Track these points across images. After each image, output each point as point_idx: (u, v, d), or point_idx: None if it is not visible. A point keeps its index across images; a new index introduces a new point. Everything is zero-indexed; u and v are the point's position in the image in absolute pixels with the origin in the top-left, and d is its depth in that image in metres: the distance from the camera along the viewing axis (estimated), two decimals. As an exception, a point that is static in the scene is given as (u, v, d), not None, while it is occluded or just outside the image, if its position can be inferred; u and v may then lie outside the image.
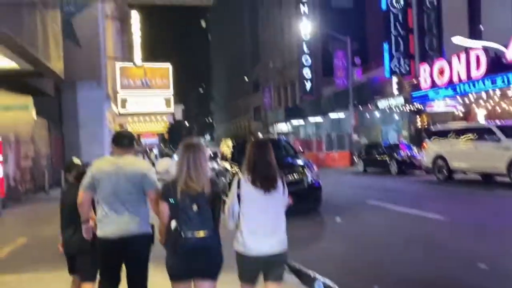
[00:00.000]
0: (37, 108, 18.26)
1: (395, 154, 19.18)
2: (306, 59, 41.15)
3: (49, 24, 11.16)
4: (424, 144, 16.15)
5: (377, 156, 20.37)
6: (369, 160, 21.15)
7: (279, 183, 3.28)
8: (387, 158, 19.37)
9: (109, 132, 25.69)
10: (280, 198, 3.29)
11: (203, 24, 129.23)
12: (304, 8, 40.71)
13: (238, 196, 3.19)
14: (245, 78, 59.42)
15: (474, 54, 18.67)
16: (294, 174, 9.40)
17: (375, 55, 33.26)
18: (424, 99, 22.00)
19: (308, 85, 41.23)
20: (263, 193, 3.18)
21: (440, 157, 14.83)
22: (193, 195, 3.05)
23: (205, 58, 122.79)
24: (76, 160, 4.34)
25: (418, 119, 26.65)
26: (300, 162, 10.09)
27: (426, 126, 26.21)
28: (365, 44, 37.07)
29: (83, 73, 22.85)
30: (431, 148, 15.40)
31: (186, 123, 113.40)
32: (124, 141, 3.69)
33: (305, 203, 9.49)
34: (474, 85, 18.45)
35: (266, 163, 3.26)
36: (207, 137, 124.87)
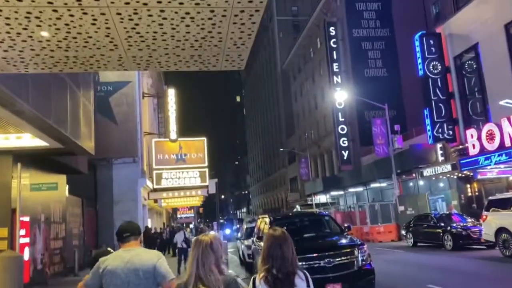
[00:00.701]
0: (71, 185, 18.15)
1: (448, 227, 17.39)
2: (342, 128, 40.53)
3: (80, 102, 11.01)
4: (484, 215, 14.48)
5: (428, 229, 18.58)
6: (419, 234, 19.32)
7: (299, 281, 2.85)
8: (440, 231, 17.57)
9: (143, 208, 25.22)
10: None
11: (238, 99, 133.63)
12: (337, 79, 40.88)
13: None
14: (281, 149, 58.98)
15: (526, 115, 17.38)
16: (342, 255, 8.18)
17: (413, 123, 32.27)
18: (474, 165, 20.44)
19: (345, 154, 40.22)
20: None
21: (503, 229, 13.12)
22: None
23: (241, 131, 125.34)
24: (110, 250, 4.06)
25: (469, 187, 24.80)
26: (347, 241, 8.89)
27: (477, 194, 24.32)
28: (402, 111, 36.36)
29: (119, 150, 22.93)
30: (492, 220, 13.72)
31: (221, 196, 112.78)
32: (126, 235, 3.53)
33: (356, 289, 8.16)
34: (531, 149, 16.93)
35: (281, 258, 2.88)
36: (243, 210, 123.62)
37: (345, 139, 40.59)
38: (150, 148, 27.24)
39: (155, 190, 26.69)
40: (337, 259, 8.11)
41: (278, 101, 72.99)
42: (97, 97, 23.31)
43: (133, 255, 3.39)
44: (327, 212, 10.72)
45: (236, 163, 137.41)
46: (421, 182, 29.28)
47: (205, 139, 27.92)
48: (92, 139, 12.50)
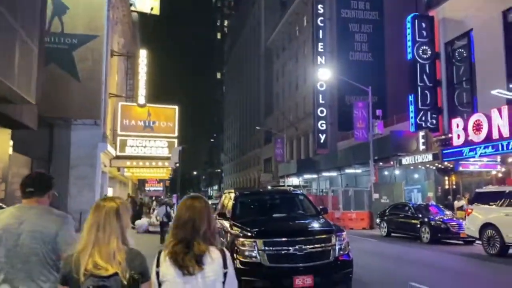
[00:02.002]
0: (18, 143, 16.18)
1: (426, 219, 16.33)
2: (322, 111, 39.25)
3: (17, 36, 9.11)
4: (469, 209, 13.38)
5: (404, 219, 17.51)
6: (394, 223, 18.26)
7: (212, 259, 2.30)
8: (417, 223, 16.49)
9: (103, 176, 23.39)
10: (214, 284, 2.28)
11: (219, 75, 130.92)
12: (321, 59, 39.36)
13: (158, 276, 2.32)
14: (257, 127, 57.52)
15: (519, 107, 16.31)
16: (316, 242, 6.76)
17: (394, 111, 31.24)
18: (458, 156, 19.42)
19: (322, 137, 39.07)
20: (182, 274, 2.27)
21: (490, 225, 12.03)
22: (101, 277, 2.22)
23: (219, 109, 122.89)
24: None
25: (446, 180, 23.93)
26: (323, 225, 7.47)
27: (454, 187, 23.49)
28: (384, 99, 35.27)
29: (80, 110, 20.92)
30: (478, 214, 12.61)
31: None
32: (28, 190, 2.96)
33: (330, 284, 6.78)
34: (521, 143, 15.89)
35: (192, 230, 2.35)
36: (215, 187, 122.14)
37: (324, 122, 39.39)
38: (116, 112, 25.23)
39: (118, 157, 24.79)
40: (310, 247, 6.69)
41: (259, 80, 71.18)
42: (59, 49, 21.14)
43: (32, 215, 2.89)
44: (301, 191, 9.18)
45: (212, 140, 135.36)
46: (397, 172, 28.35)
47: (176, 107, 26.06)
48: (33, 84, 10.61)
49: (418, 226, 16.40)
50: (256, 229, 6.99)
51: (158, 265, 2.36)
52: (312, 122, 41.10)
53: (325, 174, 37.89)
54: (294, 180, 43.28)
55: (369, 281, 8.51)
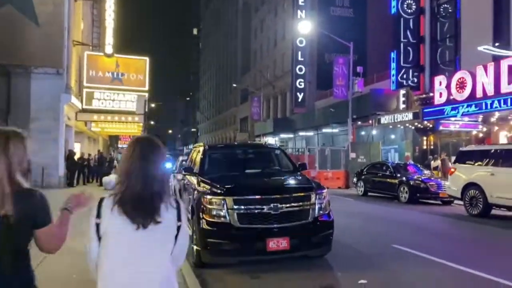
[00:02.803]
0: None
1: (405, 178, 15.85)
2: (300, 68, 38.09)
3: None
4: (451, 168, 12.84)
5: (382, 178, 17.01)
6: (371, 183, 17.78)
7: (165, 210, 2.01)
8: (396, 182, 16.01)
9: (68, 130, 22.00)
10: (166, 238, 2.03)
11: (195, 32, 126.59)
12: (301, 13, 37.76)
13: (98, 229, 2.02)
14: (234, 84, 56.04)
15: (506, 64, 15.64)
16: (294, 201, 5.93)
17: (376, 69, 30.41)
18: (439, 115, 18.87)
19: (300, 96, 38.12)
20: (135, 228, 1.97)
21: (473, 185, 11.53)
22: None
23: (195, 66, 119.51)
24: None
25: (425, 140, 23.58)
26: (302, 182, 6.63)
27: (432, 147, 23.19)
28: (364, 58, 34.20)
29: (40, 57, 19.27)
30: (462, 174, 12.08)
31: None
32: None
33: (308, 246, 6.03)
34: (505, 102, 15.34)
35: (143, 174, 2.02)
36: (190, 147, 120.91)
37: (302, 80, 38.32)
38: (82, 62, 23.53)
39: (84, 110, 23.34)
40: (286, 205, 5.86)
41: (236, 36, 68.82)
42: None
43: None
44: (278, 145, 8.27)
45: (188, 99, 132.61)
46: (374, 132, 27.88)
47: (147, 59, 24.51)
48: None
49: (397, 185, 15.93)
50: (226, 186, 6.10)
51: (98, 216, 2.03)
52: (290, 80, 39.99)
53: (301, 133, 37.28)
54: (270, 140, 42.56)
55: (348, 243, 7.84)
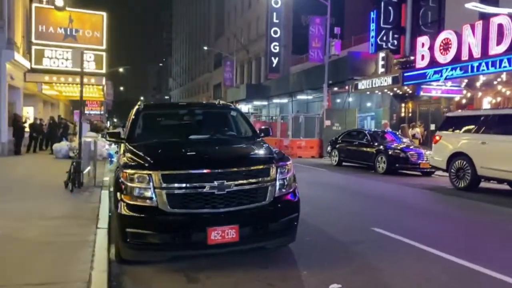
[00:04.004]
0: None
1: (382, 147, 14.56)
2: (275, 31, 36.04)
3: None
4: (437, 135, 11.53)
5: (359, 147, 15.69)
6: (346, 152, 16.48)
7: None
8: (373, 151, 14.71)
9: (14, 92, 19.74)
10: None
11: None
12: (277, -29, 35.37)
13: None
14: (205, 47, 53.46)
15: (496, 23, 14.25)
16: (246, 176, 4.37)
17: (354, 31, 28.75)
18: (420, 79, 17.52)
19: (275, 61, 36.25)
20: None
21: (460, 154, 10.26)
22: None
23: (168, 31, 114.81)
24: None
25: (403, 107, 22.35)
26: (260, 151, 5.08)
27: (410, 115, 22.02)
28: (342, 18, 32.33)
29: (-25, 6, 16.77)
30: (448, 143, 10.79)
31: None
32: None
33: (264, 236, 4.53)
34: (493, 64, 14.04)
35: None
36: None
37: (277, 44, 36.35)
38: (29, 16, 20.95)
39: (33, 70, 20.97)
40: (236, 183, 4.30)
41: (209, -3, 65.55)
42: None
43: None
44: (235, 107, 6.60)
45: (160, 65, 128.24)
46: (350, 99, 26.50)
47: (104, 14, 22.06)
48: None
49: (374, 154, 14.65)
50: (154, 156, 4.50)
51: None
52: (265, 44, 37.97)
53: (275, 100, 35.66)
54: (244, 108, 40.84)
55: (319, 227, 6.42)
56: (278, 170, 4.59)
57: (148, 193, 4.21)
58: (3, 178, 11.10)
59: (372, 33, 22.01)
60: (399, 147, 14.46)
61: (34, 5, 20.89)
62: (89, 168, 10.85)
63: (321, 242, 5.61)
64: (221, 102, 6.59)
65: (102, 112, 54.19)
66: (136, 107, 6.08)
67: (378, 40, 21.75)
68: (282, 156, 4.89)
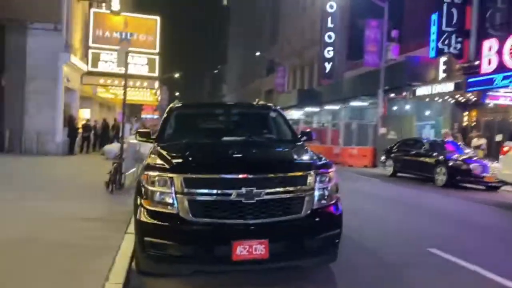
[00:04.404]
0: None
1: (443, 157, 13.40)
2: (329, 36, 35.12)
3: None
4: (505, 147, 10.34)
5: (416, 157, 14.57)
6: (402, 162, 15.39)
7: None
8: (432, 162, 13.58)
9: (71, 93, 20.38)
10: None
11: (225, 1, 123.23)
12: (332, -25, 34.54)
13: None
14: (257, 53, 53.37)
15: None
16: (281, 183, 3.79)
17: (413, 34, 27.27)
18: (486, 86, 16.10)
19: (328, 66, 35.28)
20: None
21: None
22: None
23: (225, 37, 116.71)
24: None
25: (466, 115, 20.76)
26: (299, 156, 4.48)
27: (474, 124, 20.38)
28: (401, 20, 30.76)
29: (36, 10, 17.45)
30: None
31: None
32: None
33: (299, 254, 3.91)
34: None
35: None
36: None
37: (331, 49, 35.38)
38: (87, 20, 21.64)
39: (90, 73, 21.62)
40: (267, 191, 3.74)
41: (265, 3, 65.65)
42: None
43: None
44: (277, 107, 6.01)
45: (215, 71, 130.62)
46: (407, 106, 25.10)
47: (158, 18, 22.41)
48: None
49: (433, 165, 13.51)
50: (179, 158, 4.04)
51: None
52: (319, 49, 37.15)
53: (328, 107, 34.59)
54: (294, 114, 40.16)
55: (366, 245, 5.70)
56: (318, 178, 3.98)
57: (169, 199, 3.75)
58: (50, 177, 11.25)
59: (433, 37, 20.67)
60: (460, 158, 13.24)
61: (92, 10, 21.55)
62: (133, 170, 10.71)
63: (368, 263, 4.91)
64: (260, 102, 6.06)
65: (157, 116, 55.58)
66: (170, 106, 5.70)
67: (439, 44, 20.38)
68: (324, 162, 4.26)
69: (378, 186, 13.07)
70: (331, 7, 34.55)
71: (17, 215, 6.26)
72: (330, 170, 4.19)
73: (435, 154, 13.86)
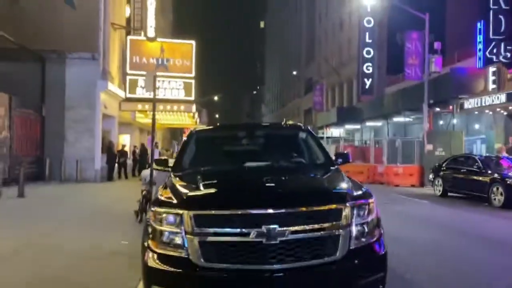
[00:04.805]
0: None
1: (498, 175, 12.20)
2: (368, 51, 34.23)
3: None
4: None
5: (468, 175, 13.39)
6: (453, 180, 14.21)
7: None
8: (487, 180, 12.39)
9: (110, 120, 20.62)
10: None
11: (262, 25, 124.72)
12: (368, -10, 33.81)
13: None
14: (294, 72, 52.96)
15: None
16: (310, 219, 3.17)
17: (457, 45, 25.96)
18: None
19: (368, 82, 34.28)
20: None
21: None
22: None
23: (262, 60, 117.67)
24: None
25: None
26: (332, 184, 3.84)
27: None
28: (443, 30, 29.45)
29: (74, 41, 17.89)
30: None
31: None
32: None
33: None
34: None
35: None
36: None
37: (370, 64, 34.43)
38: (124, 48, 22.03)
39: (128, 100, 21.87)
40: (293, 228, 3.11)
41: (300, 24, 65.60)
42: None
43: None
44: (308, 127, 5.39)
45: (254, 92, 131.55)
46: (455, 120, 23.69)
47: (193, 42, 22.51)
48: None
49: (488, 184, 12.31)
50: (190, 190, 3.52)
51: None
52: (357, 65, 36.27)
53: (369, 123, 33.50)
54: (334, 131, 39.20)
55: (416, 282, 4.89)
56: (355, 212, 3.32)
57: (179, 239, 3.21)
58: (82, 205, 11.10)
59: (480, 46, 19.49)
60: (519, 176, 12.00)
61: (128, 37, 21.93)
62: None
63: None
64: (289, 122, 5.48)
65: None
66: (190, 130, 5.24)
67: (487, 53, 19.17)
68: (362, 192, 3.59)
69: (428, 209, 12.02)
70: (369, 22, 33.76)
71: (45, 251, 6.09)
72: (369, 200, 3.52)
73: (489, 171, 12.66)
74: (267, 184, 3.69)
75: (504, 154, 15.47)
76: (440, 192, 14.74)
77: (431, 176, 15.97)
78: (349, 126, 37.25)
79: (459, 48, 25.02)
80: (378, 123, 31.91)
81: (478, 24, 19.69)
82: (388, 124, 29.77)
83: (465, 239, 7.69)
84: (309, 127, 5.37)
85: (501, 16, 19.29)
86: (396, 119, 28.04)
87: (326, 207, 3.28)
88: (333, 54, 46.77)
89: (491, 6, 19.29)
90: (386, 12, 32.16)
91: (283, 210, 3.16)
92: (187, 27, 49.52)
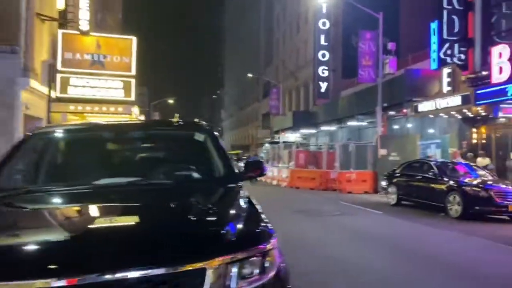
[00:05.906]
0: None
1: (455, 182, 11.21)
2: (323, 54, 33.43)
3: None
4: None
5: (423, 182, 12.35)
6: (407, 188, 13.16)
7: None
8: (444, 188, 11.37)
9: (35, 122, 18.30)
10: None
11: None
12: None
13: None
14: (249, 75, 51.75)
15: None
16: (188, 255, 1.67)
17: (411, 47, 25.45)
18: (499, 97, 14.05)
19: (323, 86, 33.46)
20: None
21: None
22: None
23: (221, 62, 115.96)
24: None
25: (474, 132, 18.63)
26: (211, 219, 2.28)
27: (483, 141, 18.25)
28: (397, 31, 28.89)
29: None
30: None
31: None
32: None
33: None
34: None
35: None
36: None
37: (325, 68, 33.66)
38: (54, 41, 19.85)
39: (59, 100, 19.69)
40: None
41: (259, 27, 64.62)
42: None
43: None
44: (208, 126, 3.80)
45: (214, 96, 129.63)
46: (409, 124, 23.10)
47: (134, 38, 20.62)
48: None
49: (444, 192, 11.28)
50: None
51: None
52: (312, 69, 35.42)
53: (324, 128, 32.64)
54: (290, 136, 38.14)
55: None
56: (234, 270, 1.82)
57: None
58: None
59: (434, 47, 18.79)
60: (477, 183, 11.06)
61: (60, 31, 19.79)
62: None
63: None
64: (177, 118, 3.95)
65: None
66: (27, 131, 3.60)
67: (441, 54, 18.48)
68: (257, 231, 2.10)
69: (380, 221, 10.82)
70: (324, 24, 33.02)
71: None
72: (267, 246, 2.03)
73: (445, 178, 11.66)
74: (91, 226, 2.11)
75: (459, 159, 14.68)
76: (394, 201, 13.66)
77: (384, 182, 14.90)
78: (304, 131, 36.31)
79: (414, 49, 24.48)
80: (333, 128, 31.10)
81: (432, 25, 19.01)
82: (343, 128, 28.96)
83: (417, 260, 6.42)
84: (209, 126, 3.81)
85: (454, 16, 18.68)
86: (350, 123, 27.21)
87: (189, 267, 1.74)
88: (291, 57, 45.92)
89: (445, 6, 18.64)
90: (341, 12, 31.48)
91: (108, 277, 1.62)
92: (140, 29, 47.17)
